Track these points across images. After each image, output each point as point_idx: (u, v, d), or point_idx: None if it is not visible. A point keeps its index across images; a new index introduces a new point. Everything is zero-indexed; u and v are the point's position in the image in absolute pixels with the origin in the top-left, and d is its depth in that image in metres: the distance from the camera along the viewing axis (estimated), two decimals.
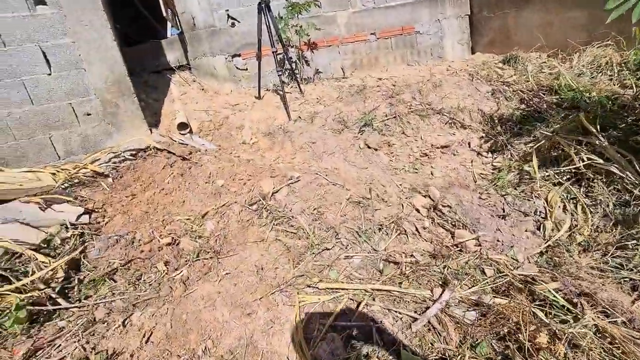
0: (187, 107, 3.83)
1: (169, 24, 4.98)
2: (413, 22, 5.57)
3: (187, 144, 3.10)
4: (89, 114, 2.89)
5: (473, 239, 1.92)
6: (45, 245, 1.81)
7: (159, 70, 4.89)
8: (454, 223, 2.05)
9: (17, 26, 2.54)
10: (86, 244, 1.94)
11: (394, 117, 3.01)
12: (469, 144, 2.73)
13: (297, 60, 5.05)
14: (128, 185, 2.69)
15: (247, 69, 5.13)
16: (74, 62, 2.75)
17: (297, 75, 4.32)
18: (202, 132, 3.52)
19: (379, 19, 5.40)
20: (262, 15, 3.57)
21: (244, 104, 3.90)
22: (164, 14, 5.37)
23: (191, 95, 4.21)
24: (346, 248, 1.86)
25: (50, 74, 2.70)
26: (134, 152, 2.98)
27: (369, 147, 2.86)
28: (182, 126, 3.41)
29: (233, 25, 4.91)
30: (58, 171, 2.67)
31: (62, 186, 2.55)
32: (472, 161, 2.63)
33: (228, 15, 4.80)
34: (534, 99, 2.93)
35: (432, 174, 2.59)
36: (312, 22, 4.68)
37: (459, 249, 1.89)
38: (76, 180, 2.63)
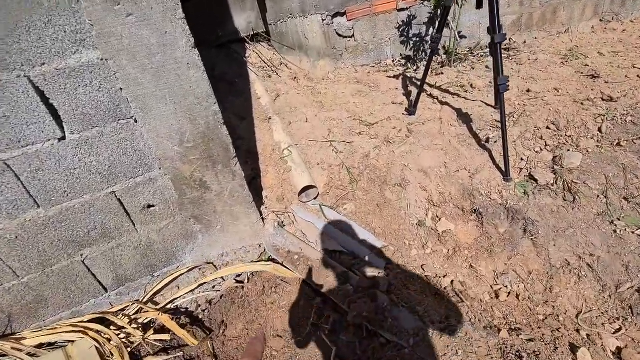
0: (292, 131, 2.23)
1: None
2: None
3: (331, 251, 1.59)
4: (150, 206, 1.41)
5: None
6: None
7: (223, 42, 3.14)
8: None
9: None
10: None
11: None
12: None
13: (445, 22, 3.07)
14: None
15: (353, 36, 3.31)
16: (111, 106, 1.19)
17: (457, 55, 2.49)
18: (333, 191, 1.97)
19: None
20: None
21: (392, 127, 2.22)
22: None
23: (288, 100, 2.54)
24: None
25: (63, 138, 1.17)
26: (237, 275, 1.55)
27: None
28: (305, 188, 1.88)
29: None
30: (101, 333, 1.32)
31: None
32: None
33: None
34: None
35: None
36: None
37: None
38: None
